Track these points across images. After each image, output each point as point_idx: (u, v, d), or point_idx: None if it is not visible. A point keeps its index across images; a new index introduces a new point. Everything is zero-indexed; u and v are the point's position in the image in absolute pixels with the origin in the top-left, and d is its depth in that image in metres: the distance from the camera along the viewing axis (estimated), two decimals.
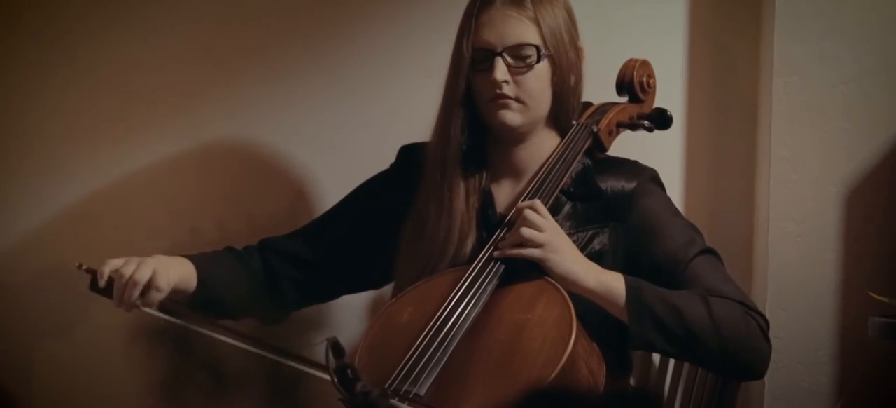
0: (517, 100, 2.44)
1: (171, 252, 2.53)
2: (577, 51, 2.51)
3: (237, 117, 3.04)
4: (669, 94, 3.00)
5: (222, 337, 2.36)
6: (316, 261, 2.63)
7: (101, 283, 2.41)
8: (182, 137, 3.02)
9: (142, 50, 3.01)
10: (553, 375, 2.11)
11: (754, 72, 3.03)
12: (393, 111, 3.02)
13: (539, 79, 2.45)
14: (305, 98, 3.05)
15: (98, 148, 3.01)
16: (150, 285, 2.40)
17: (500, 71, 2.42)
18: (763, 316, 2.38)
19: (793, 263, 2.92)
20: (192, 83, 3.03)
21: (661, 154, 2.96)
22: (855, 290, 2.88)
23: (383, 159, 2.69)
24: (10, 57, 3.00)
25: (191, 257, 2.54)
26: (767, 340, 2.36)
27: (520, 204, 2.35)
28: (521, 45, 2.43)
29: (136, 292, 2.39)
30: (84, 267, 2.43)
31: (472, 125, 2.50)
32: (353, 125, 3.04)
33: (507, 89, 2.43)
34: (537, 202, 2.33)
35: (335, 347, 2.05)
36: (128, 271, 2.39)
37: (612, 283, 2.30)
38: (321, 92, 3.05)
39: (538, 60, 2.44)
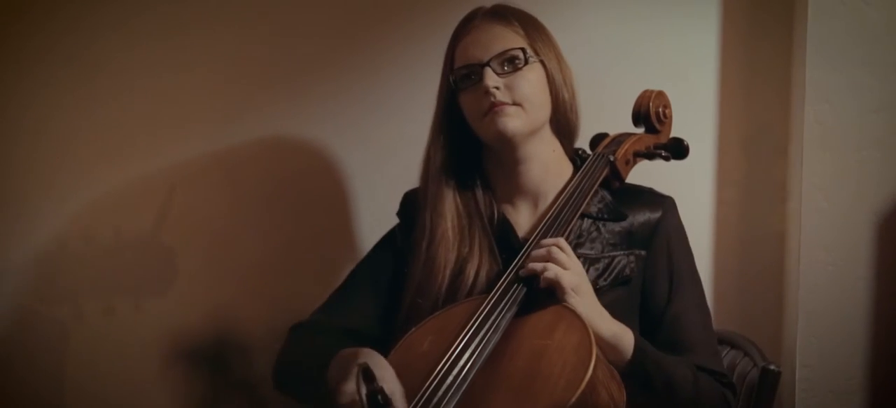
0: (514, 103, 2.45)
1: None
2: (566, 68, 2.53)
3: (274, 127, 3.04)
4: (701, 122, 3.02)
5: None
6: (364, 331, 2.53)
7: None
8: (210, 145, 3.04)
9: (167, 61, 3.01)
10: (573, 400, 2.10)
11: (785, 100, 3.02)
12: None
13: (530, 82, 2.46)
14: (343, 108, 3.04)
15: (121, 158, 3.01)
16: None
17: (490, 78, 2.44)
18: (734, 389, 2.47)
19: (824, 292, 2.91)
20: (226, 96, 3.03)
21: (693, 182, 2.99)
22: (887, 318, 2.87)
23: None
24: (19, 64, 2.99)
25: (317, 358, 2.40)
26: None
27: (545, 240, 2.35)
28: (507, 51, 2.46)
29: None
30: None
31: (465, 150, 2.53)
32: (398, 140, 3.03)
33: (501, 95, 2.44)
34: (562, 241, 2.34)
35: (366, 372, 2.07)
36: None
37: (622, 338, 2.32)
38: (363, 101, 3.05)
39: (525, 62, 2.46)
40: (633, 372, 2.30)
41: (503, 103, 2.45)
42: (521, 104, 2.46)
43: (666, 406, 2.36)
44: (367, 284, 2.61)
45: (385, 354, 2.30)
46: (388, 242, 2.65)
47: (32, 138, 2.96)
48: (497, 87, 2.44)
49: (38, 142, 2.96)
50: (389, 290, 2.58)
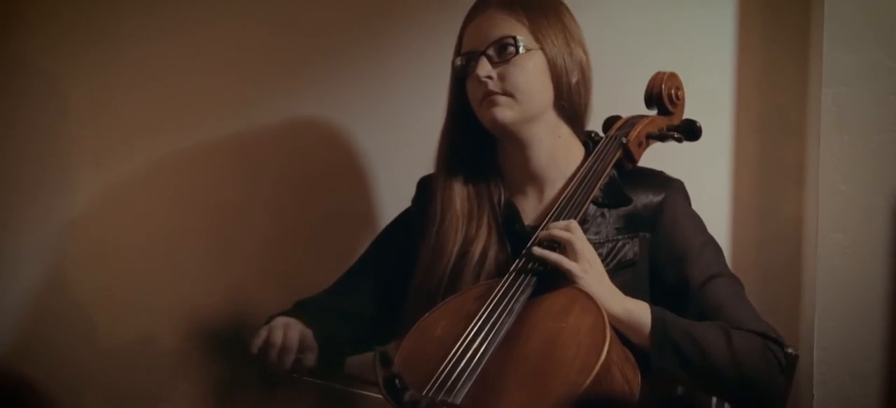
0: (505, 94, 2.46)
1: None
2: (575, 52, 2.52)
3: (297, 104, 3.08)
4: (718, 104, 3.01)
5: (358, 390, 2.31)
6: (361, 313, 2.60)
7: (254, 351, 2.35)
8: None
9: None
10: (587, 382, 2.11)
11: (803, 82, 3.01)
12: None
13: (524, 71, 2.47)
14: (362, 93, 3.07)
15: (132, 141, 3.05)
16: (302, 348, 2.36)
17: (482, 67, 2.46)
18: (781, 344, 2.40)
19: (841, 274, 2.89)
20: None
21: (710, 165, 2.98)
22: None
23: None
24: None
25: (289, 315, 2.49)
26: (784, 372, 2.38)
27: (557, 223, 2.36)
28: (502, 38, 2.47)
29: (291, 357, 2.34)
30: None
31: (476, 138, 2.54)
32: (415, 122, 3.05)
33: (492, 85, 2.46)
34: (573, 223, 2.35)
35: (384, 357, 2.08)
36: (277, 339, 2.35)
37: (637, 312, 2.32)
38: (381, 86, 3.07)
39: (517, 51, 2.46)
40: (661, 346, 2.29)
41: (494, 93, 2.46)
42: (513, 94, 2.47)
43: (709, 379, 2.33)
44: (369, 267, 2.65)
45: (394, 338, 2.41)
46: (397, 225, 2.69)
47: (52, 123, 2.98)
48: (489, 77, 2.46)
49: (59, 125, 2.98)
50: (394, 272, 2.61)
